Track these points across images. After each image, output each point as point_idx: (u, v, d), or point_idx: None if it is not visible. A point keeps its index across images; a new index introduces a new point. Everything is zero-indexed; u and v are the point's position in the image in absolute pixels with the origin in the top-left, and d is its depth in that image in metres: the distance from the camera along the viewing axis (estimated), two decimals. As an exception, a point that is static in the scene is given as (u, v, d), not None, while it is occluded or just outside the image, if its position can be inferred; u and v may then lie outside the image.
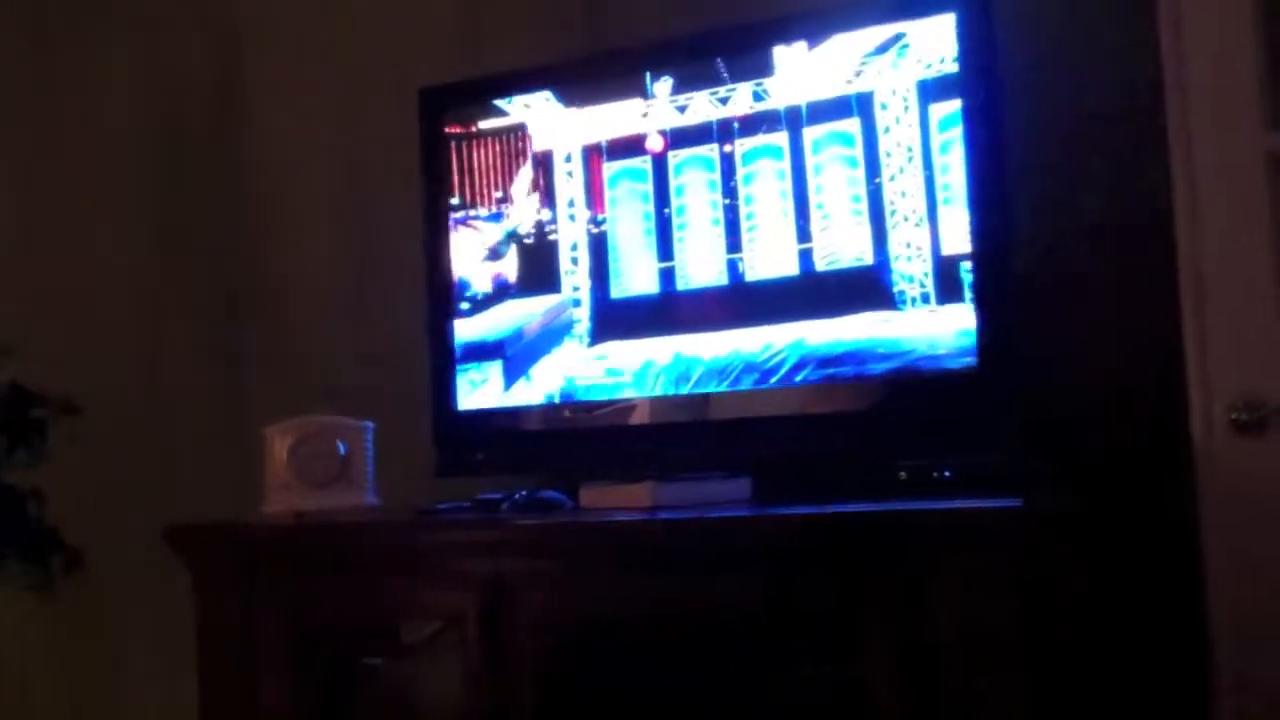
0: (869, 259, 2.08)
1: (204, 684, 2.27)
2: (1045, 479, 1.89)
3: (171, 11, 3.02)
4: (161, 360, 2.95)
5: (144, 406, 2.94)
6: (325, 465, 2.29)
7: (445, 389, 2.37)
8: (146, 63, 3.02)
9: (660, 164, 2.22)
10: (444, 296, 2.39)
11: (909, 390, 2.02)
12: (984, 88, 2.01)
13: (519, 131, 2.34)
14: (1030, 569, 1.70)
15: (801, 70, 2.14)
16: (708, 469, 2.10)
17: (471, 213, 2.36)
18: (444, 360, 2.38)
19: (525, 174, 2.32)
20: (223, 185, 2.94)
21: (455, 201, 2.38)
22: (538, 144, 2.32)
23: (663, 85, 2.23)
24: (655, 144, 2.23)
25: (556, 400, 2.30)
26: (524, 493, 2.15)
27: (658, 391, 2.21)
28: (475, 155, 2.37)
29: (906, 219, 2.06)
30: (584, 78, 2.30)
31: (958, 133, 2.02)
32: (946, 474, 1.97)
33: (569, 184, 2.29)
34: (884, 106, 2.08)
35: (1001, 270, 2.00)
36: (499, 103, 2.35)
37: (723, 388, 2.17)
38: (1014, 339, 1.98)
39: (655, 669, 1.90)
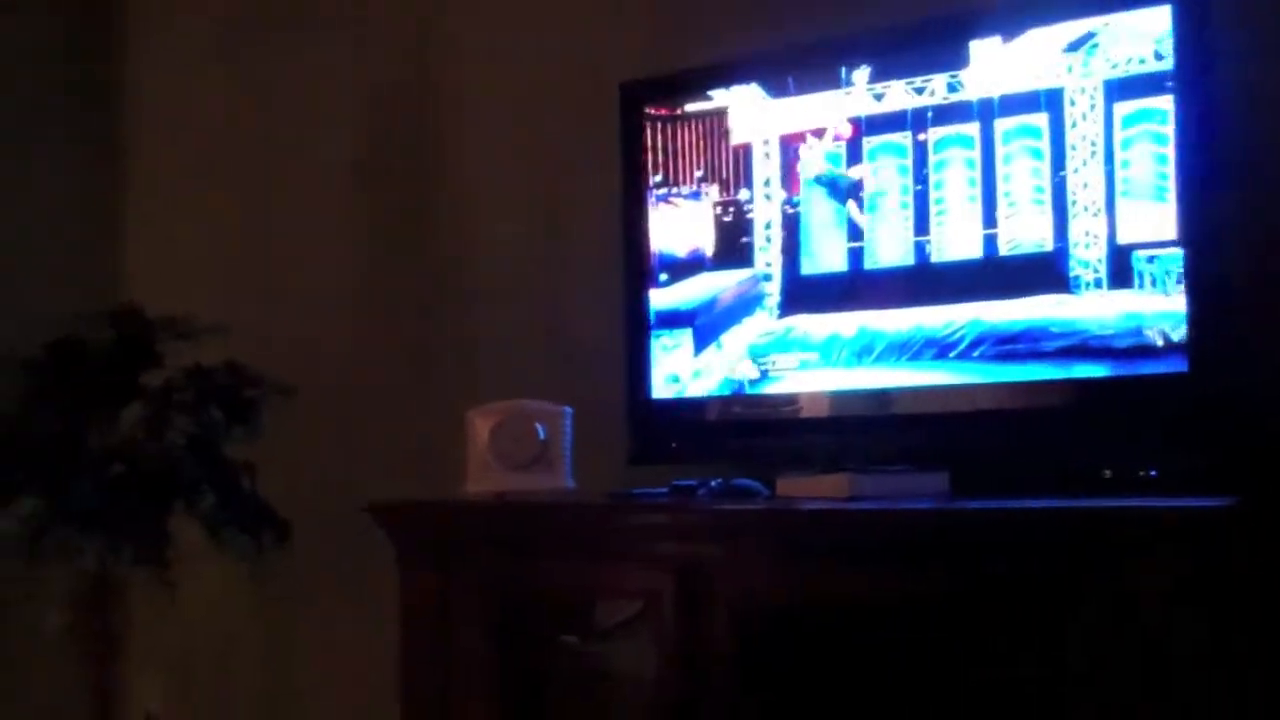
0: (1049, 245, 2.14)
1: (404, 656, 2.36)
2: (1253, 478, 1.85)
3: (377, 14, 3.12)
4: (368, 343, 3.06)
5: (352, 387, 3.05)
6: (525, 448, 2.33)
7: (640, 379, 2.44)
8: (355, 63, 3.14)
9: (854, 149, 2.29)
10: (640, 297, 2.47)
11: (1114, 388, 2.06)
12: (1197, 80, 2.03)
13: (719, 116, 2.41)
14: (1237, 571, 1.67)
15: (996, 64, 2.19)
16: (904, 463, 2.12)
17: (673, 190, 2.45)
18: (639, 351, 2.45)
19: (725, 156, 2.40)
20: (427, 178, 3.03)
21: (657, 179, 2.46)
22: (737, 128, 2.39)
23: (860, 74, 2.29)
24: (849, 130, 2.29)
25: (746, 390, 2.36)
26: (719, 480, 2.19)
27: (841, 364, 2.28)
28: (676, 138, 2.44)
29: (1086, 209, 2.11)
30: (782, 68, 2.37)
31: (1138, 130, 2.07)
32: (1153, 473, 1.97)
33: (766, 166, 2.38)
34: (1072, 103, 2.13)
35: (1212, 267, 2.01)
36: (701, 91, 2.42)
37: (903, 361, 2.23)
38: (1224, 334, 2.00)
39: (850, 657, 1.92)
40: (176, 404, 2.82)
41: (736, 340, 2.38)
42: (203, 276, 3.29)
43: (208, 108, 3.37)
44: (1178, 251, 2.02)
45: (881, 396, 2.23)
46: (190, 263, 3.35)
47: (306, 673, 3.14)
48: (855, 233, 2.28)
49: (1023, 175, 2.15)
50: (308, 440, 3.02)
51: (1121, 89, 2.09)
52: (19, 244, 3.31)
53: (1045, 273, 2.12)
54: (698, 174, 2.42)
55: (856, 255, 2.28)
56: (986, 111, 2.18)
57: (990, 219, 2.17)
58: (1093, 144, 2.10)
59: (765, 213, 2.37)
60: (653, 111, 2.47)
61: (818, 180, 2.32)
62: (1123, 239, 2.07)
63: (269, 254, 3.24)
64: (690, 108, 2.43)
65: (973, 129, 2.19)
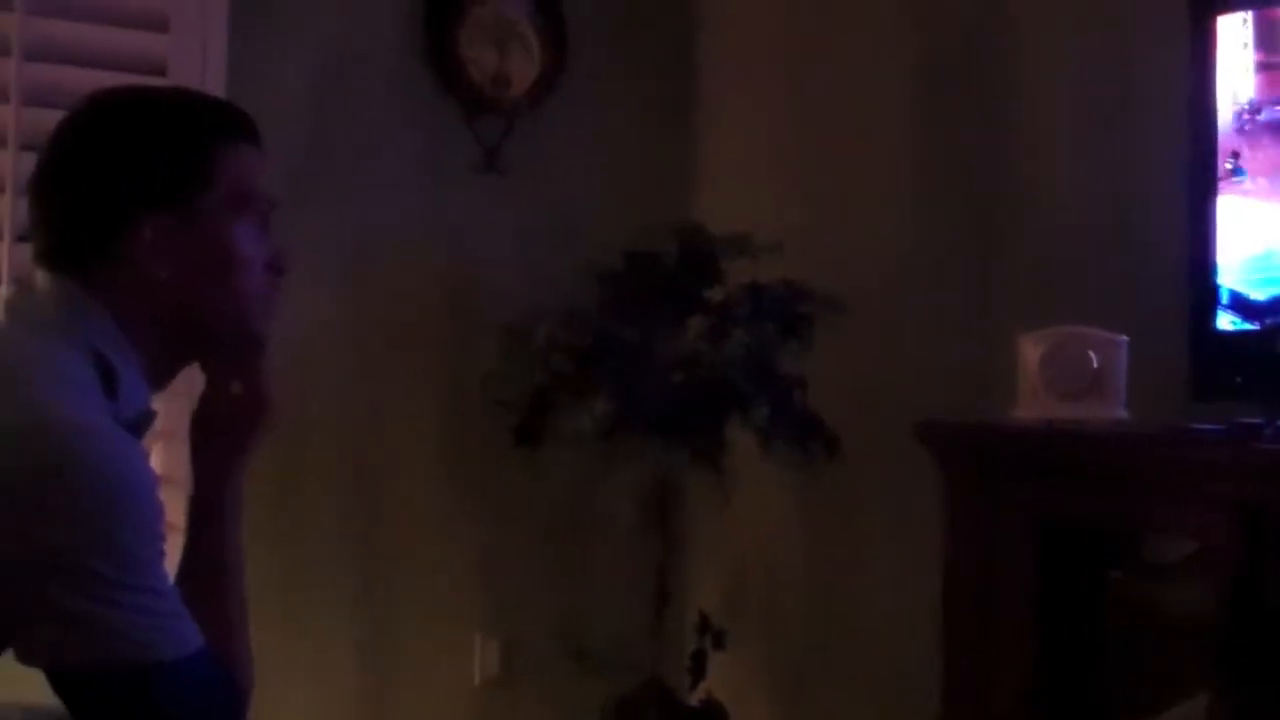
0: None
1: (948, 575, 2.37)
2: None
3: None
4: (918, 261, 3.05)
5: (900, 305, 3.06)
6: (1076, 376, 2.29)
7: (1205, 307, 2.27)
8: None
9: None
10: (1208, 224, 2.28)
11: None
12: None
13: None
14: None
15: None
16: None
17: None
18: (1204, 281, 2.28)
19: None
20: (979, 88, 2.98)
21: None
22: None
23: None
24: None
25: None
26: (1288, 420, 2.04)
27: None
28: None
29: None
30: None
31: None
32: None
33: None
34: None
35: None
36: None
37: None
38: None
39: None
40: (735, 318, 2.93)
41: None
42: (762, 197, 3.38)
43: (770, 35, 3.45)
44: None
45: None
46: (751, 184, 3.45)
47: (851, 585, 3.19)
48: None
49: None
50: (857, 356, 3.06)
51: None
52: (604, 169, 3.50)
53: None
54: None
55: None
56: None
57: None
58: None
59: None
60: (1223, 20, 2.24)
61: None
62: None
63: (825, 174, 3.28)
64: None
65: None
